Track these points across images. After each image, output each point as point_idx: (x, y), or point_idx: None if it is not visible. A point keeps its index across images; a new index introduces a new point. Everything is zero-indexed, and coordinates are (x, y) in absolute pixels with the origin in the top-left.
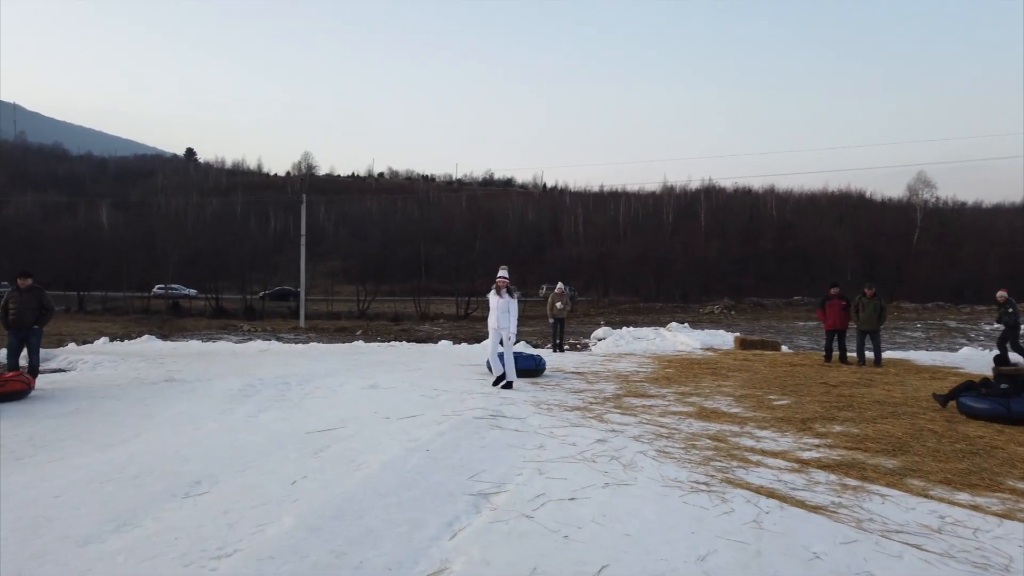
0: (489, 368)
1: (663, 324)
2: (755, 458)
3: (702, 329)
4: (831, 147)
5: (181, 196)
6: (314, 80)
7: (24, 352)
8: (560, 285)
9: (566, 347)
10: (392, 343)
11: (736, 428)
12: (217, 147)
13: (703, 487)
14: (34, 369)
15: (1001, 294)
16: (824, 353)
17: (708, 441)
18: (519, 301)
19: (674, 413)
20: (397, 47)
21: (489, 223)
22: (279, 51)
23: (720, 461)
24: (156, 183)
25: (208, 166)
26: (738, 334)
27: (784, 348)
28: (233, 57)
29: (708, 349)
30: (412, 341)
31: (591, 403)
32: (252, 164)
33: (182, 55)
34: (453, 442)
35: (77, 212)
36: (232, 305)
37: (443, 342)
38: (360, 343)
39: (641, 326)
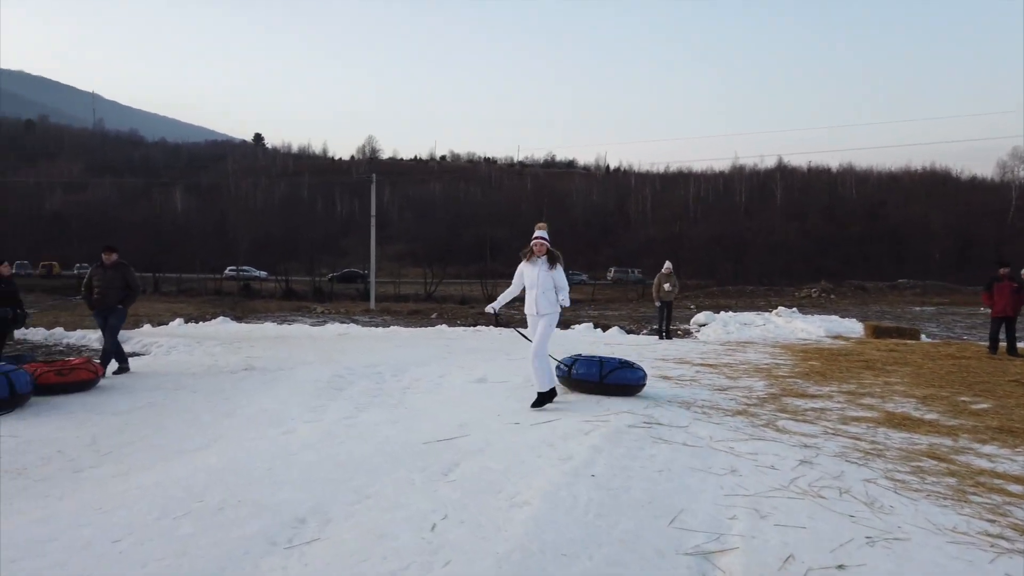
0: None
1: (758, 308)
2: (1016, 488)
3: (807, 314)
4: (911, 119)
5: (250, 180)
6: (376, 65)
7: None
8: (668, 264)
9: (674, 334)
10: (478, 328)
11: (949, 442)
12: (283, 132)
13: (1002, 542)
14: (107, 353)
15: None
16: (989, 343)
17: (932, 462)
18: (569, 274)
19: (857, 419)
20: (455, 30)
21: (554, 205)
22: (341, 38)
23: (977, 495)
24: (226, 168)
25: (275, 151)
26: (867, 321)
27: (922, 337)
28: (298, 45)
29: (837, 337)
30: (497, 325)
31: (748, 405)
32: (317, 148)
33: (250, 43)
34: (618, 463)
35: (152, 197)
36: (301, 287)
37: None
38: (444, 327)
39: (736, 311)
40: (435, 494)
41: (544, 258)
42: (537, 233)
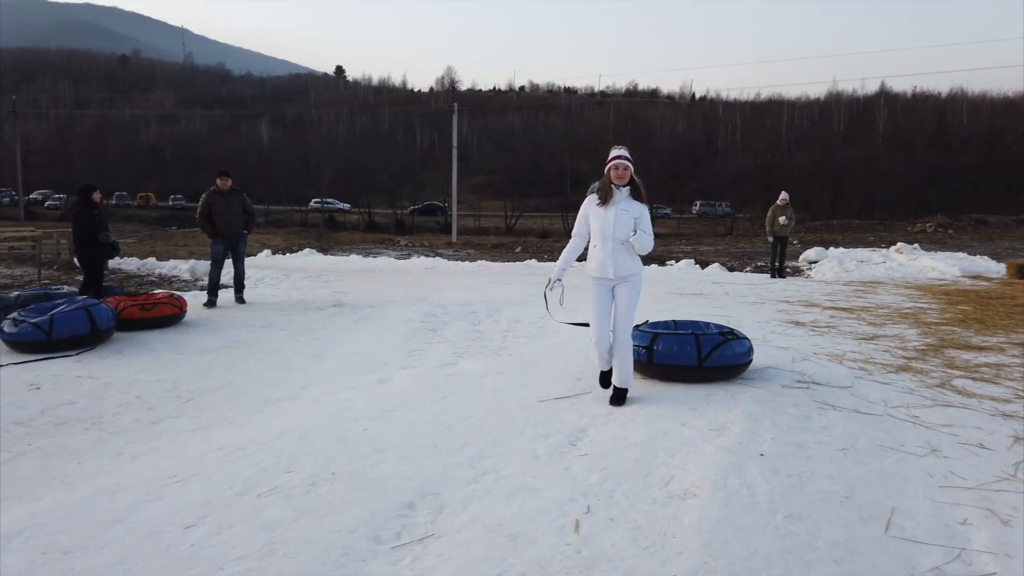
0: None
1: (868, 244)
2: None
3: (929, 251)
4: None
5: (332, 113)
6: None
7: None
8: (784, 195)
9: (788, 271)
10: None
11: None
12: (364, 65)
13: None
14: (239, 281)
15: None
16: None
17: None
18: (653, 208)
19: None
20: None
21: (637, 136)
22: None
23: None
24: (309, 100)
25: (356, 83)
26: (1009, 260)
27: None
28: None
29: (975, 277)
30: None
31: (908, 359)
32: (397, 80)
33: None
34: (787, 437)
35: (239, 129)
36: (383, 219)
37: (655, 266)
38: (532, 262)
39: (845, 247)
40: (567, 473)
41: (626, 190)
42: (615, 152)
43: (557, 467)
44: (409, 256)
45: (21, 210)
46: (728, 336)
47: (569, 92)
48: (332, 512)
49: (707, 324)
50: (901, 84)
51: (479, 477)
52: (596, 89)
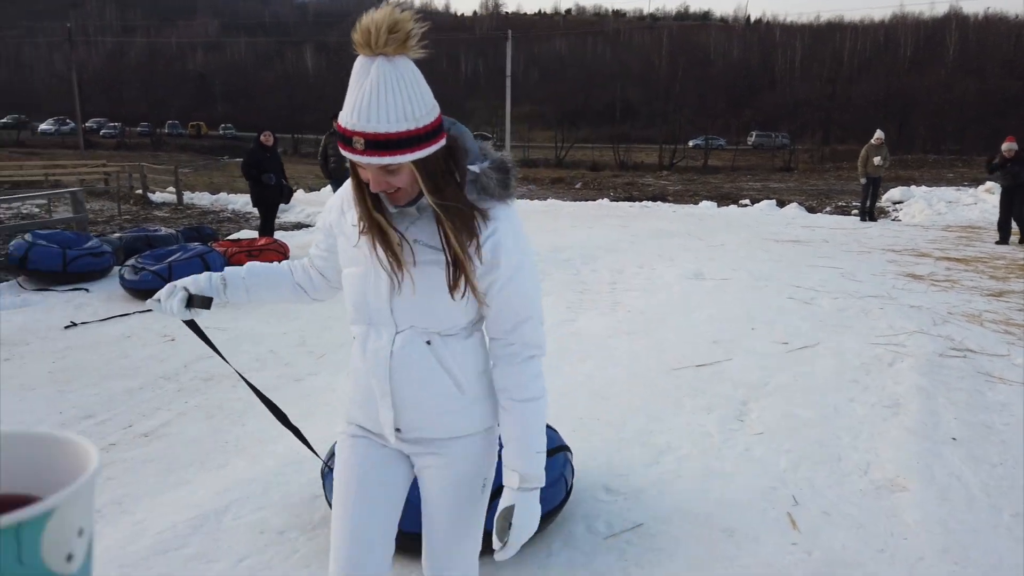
0: None
1: (948, 182)
2: None
3: None
4: None
5: None
6: None
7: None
8: (879, 134)
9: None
10: (645, 204)
11: None
12: None
13: None
14: None
15: None
16: None
17: None
18: (706, 138)
19: None
20: None
21: (689, 62)
22: None
23: None
24: (352, 26)
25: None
26: None
27: None
28: None
29: None
30: (653, 199)
31: None
32: (440, 5)
33: None
34: (971, 416)
35: (284, 56)
36: None
37: (734, 207)
38: (605, 201)
39: (926, 184)
40: (751, 456)
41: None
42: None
43: (737, 448)
44: None
45: (80, 139)
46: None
47: (617, 15)
48: None
49: None
50: (973, 5)
51: (659, 457)
52: (645, 12)
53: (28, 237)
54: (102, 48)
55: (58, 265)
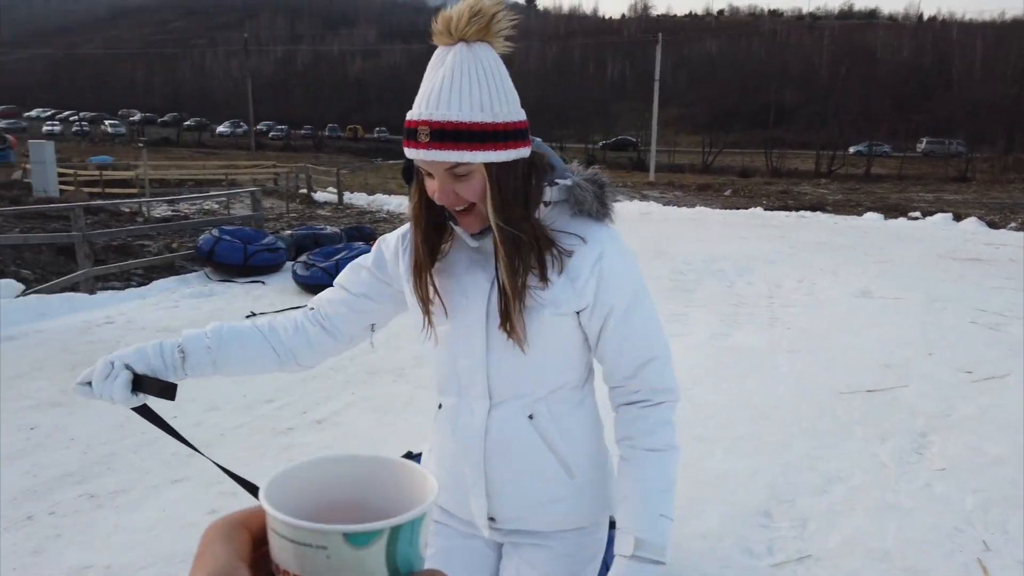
0: None
1: None
2: None
3: None
4: None
5: (522, 44)
6: None
7: None
8: None
9: None
10: (802, 213)
11: None
12: None
13: None
14: None
15: None
16: None
17: None
18: (870, 145)
19: None
20: None
21: (854, 64)
22: None
23: None
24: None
25: (547, 12)
26: None
27: None
28: None
29: None
30: (811, 209)
31: None
32: (588, 8)
33: None
34: None
35: None
36: (574, 155)
37: (903, 219)
38: (758, 210)
39: None
40: (932, 492)
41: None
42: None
43: (916, 483)
44: (615, 198)
45: (252, 141)
46: None
47: (774, 15)
48: (689, 514)
49: None
50: None
51: (828, 486)
52: (804, 11)
53: (215, 232)
54: (272, 56)
55: (240, 259)
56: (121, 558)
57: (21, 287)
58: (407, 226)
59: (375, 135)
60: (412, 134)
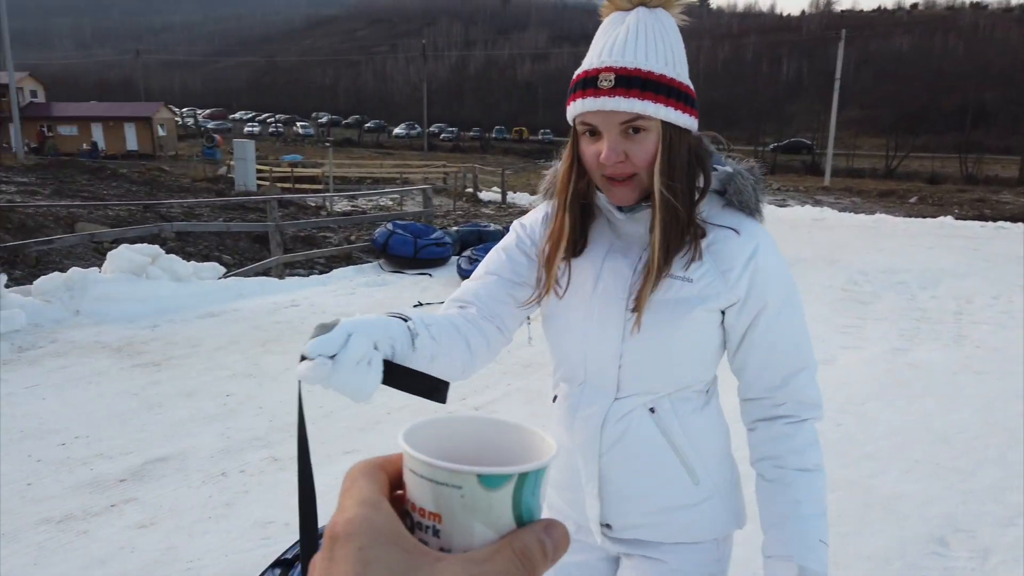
0: None
1: None
2: None
3: None
4: None
5: (693, 44)
6: None
7: None
8: None
9: None
10: (1001, 224)
11: None
12: None
13: None
14: None
15: None
16: None
17: None
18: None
19: None
20: None
21: None
22: None
23: None
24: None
25: (720, 11)
26: None
27: None
28: None
29: None
30: (1012, 219)
31: None
32: (764, 6)
33: None
34: None
35: None
36: (743, 157)
37: None
38: (949, 219)
39: None
40: None
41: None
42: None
43: None
44: (784, 202)
45: (425, 142)
46: None
47: (976, 7)
48: (854, 532)
49: None
50: None
51: (1017, 519)
52: (1013, 2)
53: (389, 226)
54: (447, 61)
55: (410, 251)
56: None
57: (223, 270)
58: (542, 207)
59: (539, 137)
60: (590, 83)
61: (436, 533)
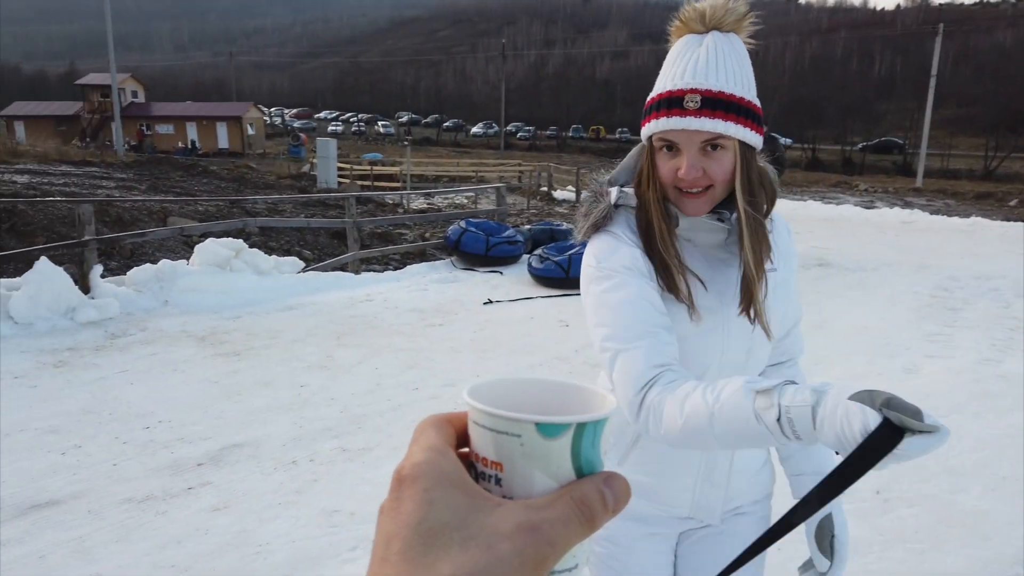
0: None
1: None
2: None
3: None
4: None
5: (780, 40)
6: None
7: None
8: None
9: None
10: None
11: None
12: None
13: None
14: None
15: None
16: None
17: None
18: None
19: None
20: None
21: None
22: None
23: None
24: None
25: (809, 6)
26: None
27: None
28: None
29: None
30: None
31: None
32: (857, 1)
33: None
34: None
35: None
36: (828, 157)
37: None
38: None
39: None
40: None
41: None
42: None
43: None
44: (872, 204)
45: (501, 141)
46: None
47: None
48: (930, 549)
49: None
50: None
51: None
52: None
53: (462, 224)
54: (526, 60)
55: (482, 249)
56: (365, 507)
57: (302, 264)
58: (605, 240)
59: (616, 136)
60: (675, 103)
61: (498, 481)
